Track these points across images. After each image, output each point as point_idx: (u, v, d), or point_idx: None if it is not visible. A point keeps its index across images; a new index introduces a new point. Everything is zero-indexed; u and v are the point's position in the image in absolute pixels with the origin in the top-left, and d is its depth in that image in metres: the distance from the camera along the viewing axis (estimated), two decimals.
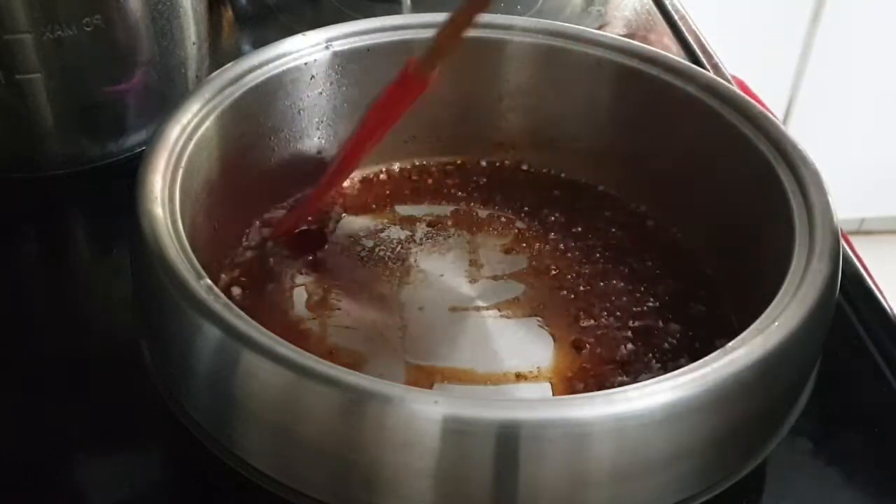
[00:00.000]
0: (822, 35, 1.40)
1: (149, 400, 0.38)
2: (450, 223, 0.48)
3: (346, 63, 0.47)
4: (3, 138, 0.52)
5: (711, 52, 0.65)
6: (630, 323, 0.43)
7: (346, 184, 0.49)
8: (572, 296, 0.44)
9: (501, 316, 0.43)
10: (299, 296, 0.44)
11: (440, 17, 0.48)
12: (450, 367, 0.40)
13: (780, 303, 0.35)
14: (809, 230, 0.38)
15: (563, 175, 0.51)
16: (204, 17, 0.56)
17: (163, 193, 0.37)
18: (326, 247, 0.46)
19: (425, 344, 0.42)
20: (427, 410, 0.30)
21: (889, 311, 0.47)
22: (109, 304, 0.47)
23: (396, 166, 0.51)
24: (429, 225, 0.48)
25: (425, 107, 0.49)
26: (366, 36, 0.47)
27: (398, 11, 0.66)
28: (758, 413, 0.34)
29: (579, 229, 0.48)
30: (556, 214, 0.49)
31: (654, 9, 0.70)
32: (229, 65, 0.44)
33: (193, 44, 0.55)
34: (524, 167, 0.52)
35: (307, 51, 0.46)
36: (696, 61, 0.64)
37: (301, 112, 0.47)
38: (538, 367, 0.41)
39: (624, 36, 0.52)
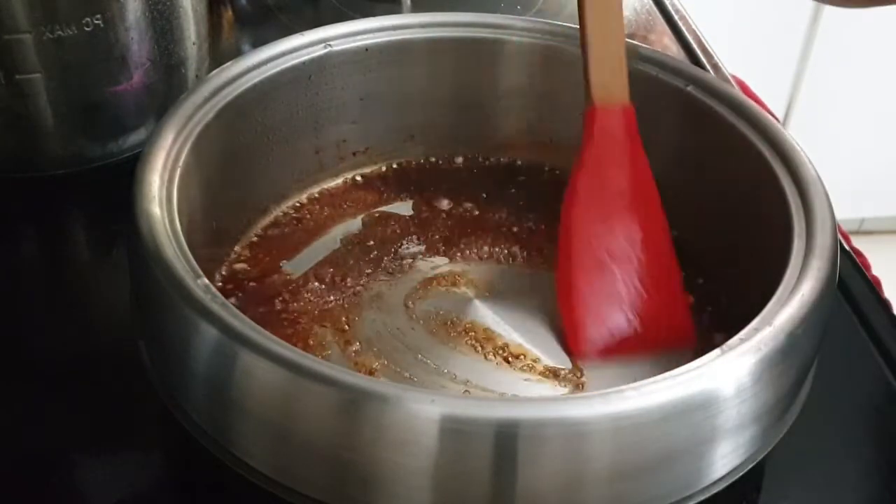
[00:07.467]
0: (822, 35, 1.40)
1: (147, 400, 0.38)
2: (449, 222, 0.48)
3: (345, 63, 0.47)
4: (3, 138, 0.52)
5: (711, 52, 0.65)
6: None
7: (342, 182, 0.50)
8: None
9: (502, 315, 0.43)
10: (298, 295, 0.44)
11: (440, 16, 0.48)
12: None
13: (779, 302, 0.35)
14: (808, 230, 0.38)
15: (562, 174, 0.51)
16: (204, 17, 0.56)
17: (161, 193, 0.37)
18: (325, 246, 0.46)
19: (424, 343, 0.42)
20: (424, 410, 0.30)
21: (889, 311, 0.47)
22: (108, 304, 0.47)
23: (395, 165, 0.51)
24: (428, 224, 0.48)
25: (425, 106, 0.50)
26: (365, 36, 0.47)
27: (398, 11, 0.66)
28: (756, 413, 0.34)
29: None
30: (556, 213, 0.48)
31: (654, 9, 0.70)
32: (228, 64, 0.44)
33: (193, 44, 0.55)
34: (524, 166, 0.52)
35: (306, 50, 0.46)
36: (696, 61, 0.64)
37: (300, 112, 0.47)
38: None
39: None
